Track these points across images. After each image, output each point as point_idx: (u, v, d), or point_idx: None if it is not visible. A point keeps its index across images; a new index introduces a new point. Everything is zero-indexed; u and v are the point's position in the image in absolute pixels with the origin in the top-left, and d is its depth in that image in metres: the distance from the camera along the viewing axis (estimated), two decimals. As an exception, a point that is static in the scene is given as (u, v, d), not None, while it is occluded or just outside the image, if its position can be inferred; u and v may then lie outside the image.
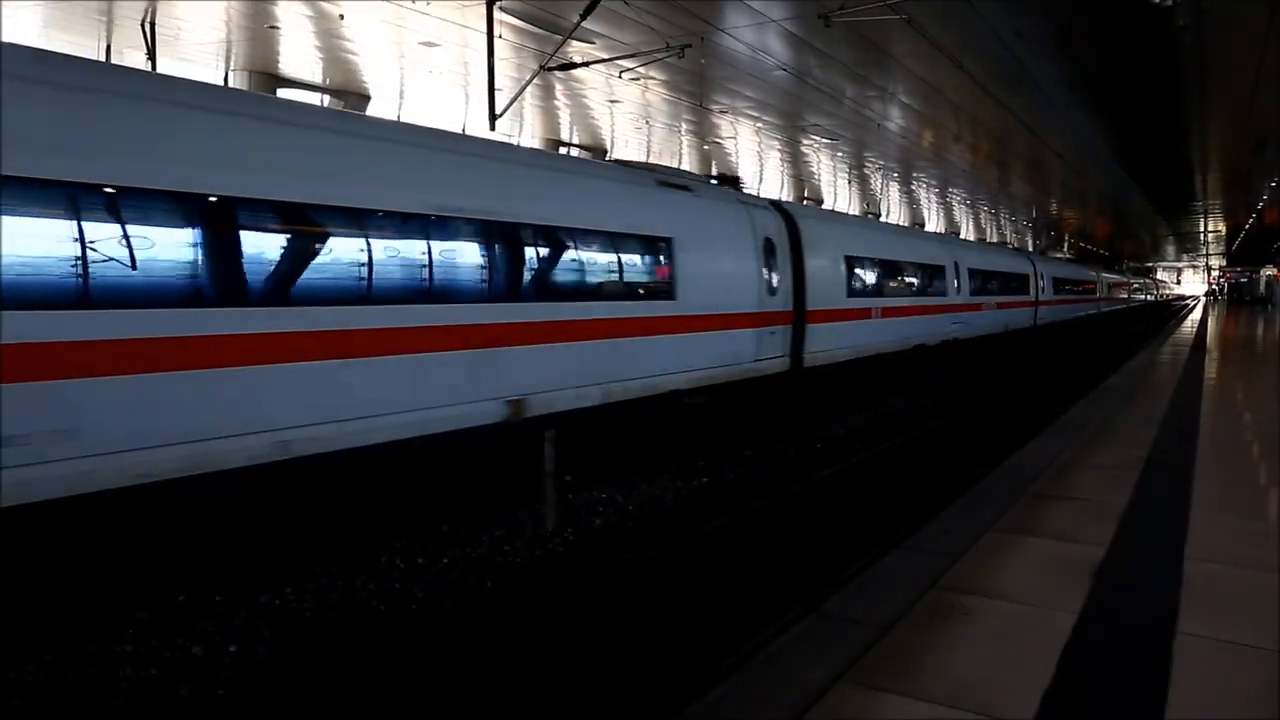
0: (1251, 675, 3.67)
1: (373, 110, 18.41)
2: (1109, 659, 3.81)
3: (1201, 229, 54.76)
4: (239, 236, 6.32)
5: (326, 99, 17.68)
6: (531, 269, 8.76)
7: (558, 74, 14.85)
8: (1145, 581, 4.75)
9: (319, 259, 6.85)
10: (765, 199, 14.19)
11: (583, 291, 9.28)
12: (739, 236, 12.01)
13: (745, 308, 11.85)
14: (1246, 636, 4.01)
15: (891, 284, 17.34)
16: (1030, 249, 50.69)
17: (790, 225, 13.39)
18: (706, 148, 24.46)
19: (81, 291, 5.34)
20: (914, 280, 18.65)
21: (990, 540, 5.52)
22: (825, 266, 14.30)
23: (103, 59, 14.07)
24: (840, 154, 25.78)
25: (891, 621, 4.21)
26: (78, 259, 5.33)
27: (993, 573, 4.91)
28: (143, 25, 13.49)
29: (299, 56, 15.72)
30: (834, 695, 3.50)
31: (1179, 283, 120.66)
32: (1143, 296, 73.69)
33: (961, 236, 43.84)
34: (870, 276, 16.36)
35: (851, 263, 15.34)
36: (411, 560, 7.18)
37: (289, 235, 6.71)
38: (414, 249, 7.58)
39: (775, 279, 12.65)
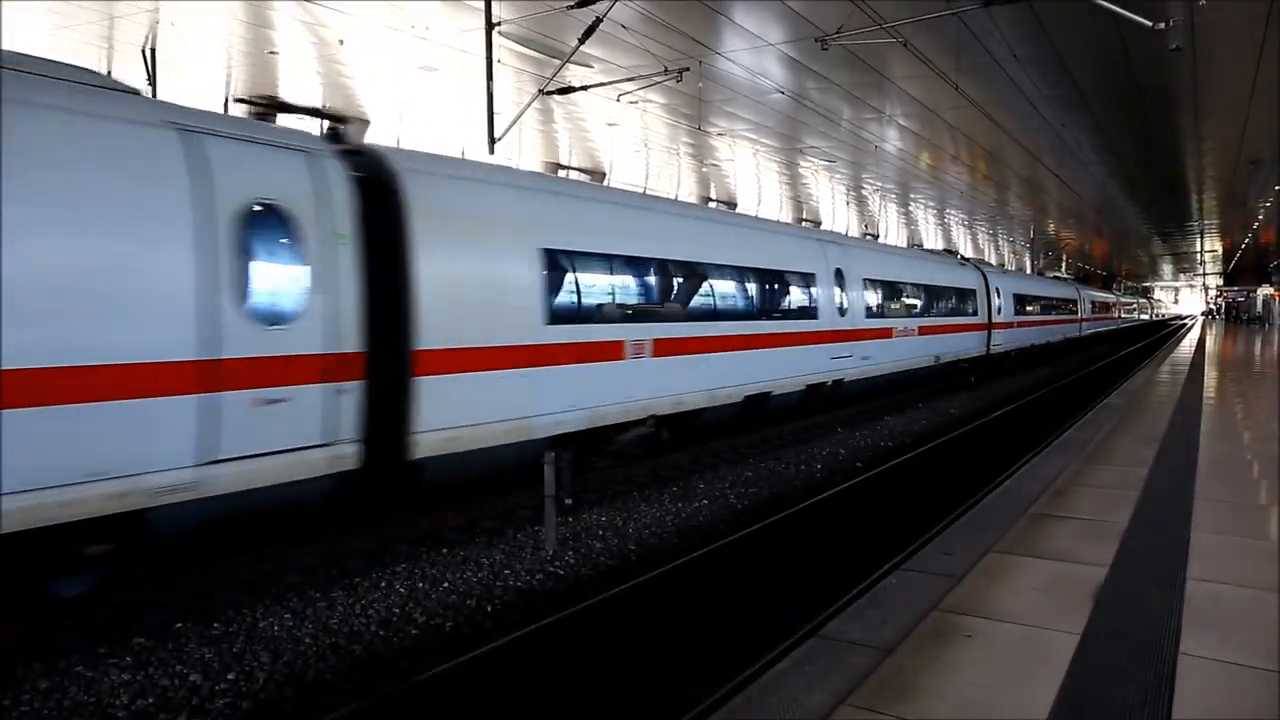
0: (1254, 696, 3.65)
1: (371, 134, 18.53)
2: (1111, 680, 3.79)
3: (1198, 248, 54.99)
4: None
5: (325, 124, 17.76)
6: None
7: (556, 98, 14.95)
8: (1147, 602, 4.73)
9: None
10: (299, 132, 8.04)
11: None
12: (122, 199, 5.88)
13: (143, 353, 5.87)
14: (1249, 657, 4.00)
15: (683, 301, 11.51)
16: (1029, 269, 50.64)
17: (373, 187, 7.68)
18: (705, 170, 24.61)
19: None
20: (743, 295, 12.77)
21: (991, 561, 5.51)
22: (485, 267, 8.62)
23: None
24: (838, 175, 25.92)
25: (893, 644, 4.19)
26: None
27: (994, 594, 4.89)
28: (143, 52, 13.61)
29: (299, 82, 15.84)
30: (836, 718, 3.48)
31: (1176, 301, 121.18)
32: (1136, 316, 73.05)
33: (970, 252, 39.69)
34: (618, 289, 10.41)
35: (564, 263, 9.47)
36: (412, 585, 7.16)
37: None
38: None
39: (293, 291, 6.87)
